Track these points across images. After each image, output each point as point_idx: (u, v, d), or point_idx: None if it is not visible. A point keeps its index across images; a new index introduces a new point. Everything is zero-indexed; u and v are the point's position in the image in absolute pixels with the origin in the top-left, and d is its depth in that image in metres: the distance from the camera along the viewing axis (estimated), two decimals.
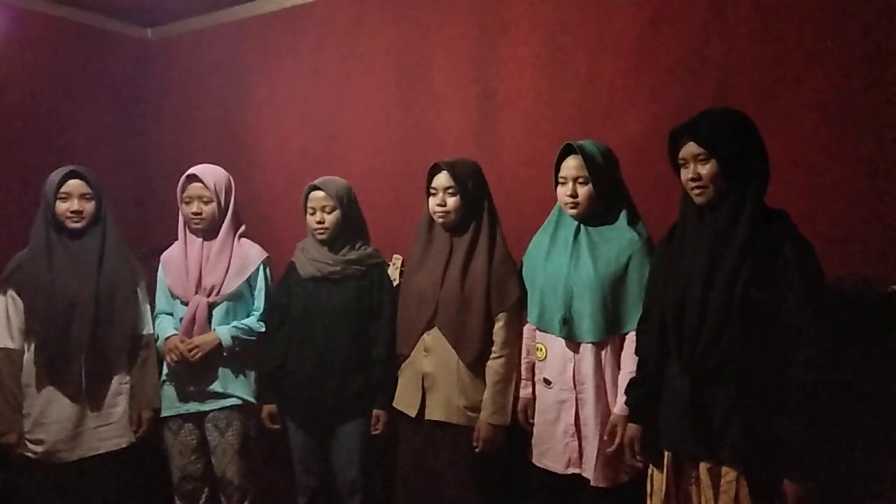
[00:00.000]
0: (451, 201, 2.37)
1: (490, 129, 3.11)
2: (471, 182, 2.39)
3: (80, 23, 4.04)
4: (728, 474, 1.77)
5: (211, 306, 2.63)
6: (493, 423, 2.31)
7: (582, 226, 2.23)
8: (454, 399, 2.36)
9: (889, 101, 2.27)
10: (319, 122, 3.66)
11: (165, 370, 2.67)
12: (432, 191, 2.42)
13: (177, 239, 2.72)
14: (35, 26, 3.82)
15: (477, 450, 2.32)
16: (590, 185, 2.17)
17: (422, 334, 2.41)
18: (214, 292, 2.63)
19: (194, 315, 2.59)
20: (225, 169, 2.72)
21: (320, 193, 2.57)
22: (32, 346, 2.46)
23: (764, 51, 2.48)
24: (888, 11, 2.27)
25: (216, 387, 2.62)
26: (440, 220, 2.41)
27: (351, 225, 2.62)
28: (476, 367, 2.36)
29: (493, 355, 2.35)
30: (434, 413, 2.38)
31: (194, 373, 2.61)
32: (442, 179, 2.39)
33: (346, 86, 3.56)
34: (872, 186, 2.29)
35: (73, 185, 2.49)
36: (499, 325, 2.35)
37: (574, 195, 2.19)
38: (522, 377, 2.36)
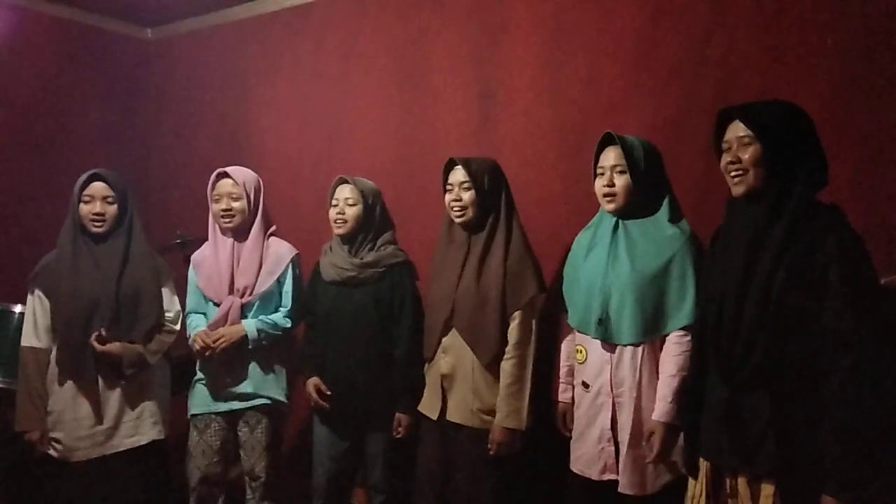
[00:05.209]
0: (467, 196, 2.37)
1: (490, 129, 3.10)
2: (486, 178, 2.38)
3: (80, 23, 4.03)
4: (766, 488, 1.67)
5: (244, 306, 2.64)
6: (507, 426, 2.27)
7: (620, 221, 2.16)
8: (468, 401, 2.33)
9: (889, 101, 2.27)
10: (319, 122, 3.65)
11: (199, 372, 2.69)
12: (448, 187, 2.42)
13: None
14: (35, 26, 3.82)
15: (491, 453, 2.29)
16: (627, 175, 2.11)
17: (441, 335, 2.40)
18: (248, 293, 2.64)
19: (227, 314, 2.61)
20: None
21: (347, 186, 2.60)
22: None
23: (764, 51, 2.48)
24: (888, 11, 2.27)
25: (247, 387, 2.63)
26: (457, 216, 2.40)
27: (374, 224, 2.62)
28: (493, 367, 2.32)
29: (506, 356, 2.31)
30: (453, 415, 2.37)
31: (226, 371, 2.62)
32: (457, 175, 2.39)
33: (346, 86, 3.56)
34: (872, 186, 2.29)
35: (96, 187, 2.52)
36: (514, 323, 2.31)
37: (611, 184, 2.12)
38: (562, 381, 2.32)
